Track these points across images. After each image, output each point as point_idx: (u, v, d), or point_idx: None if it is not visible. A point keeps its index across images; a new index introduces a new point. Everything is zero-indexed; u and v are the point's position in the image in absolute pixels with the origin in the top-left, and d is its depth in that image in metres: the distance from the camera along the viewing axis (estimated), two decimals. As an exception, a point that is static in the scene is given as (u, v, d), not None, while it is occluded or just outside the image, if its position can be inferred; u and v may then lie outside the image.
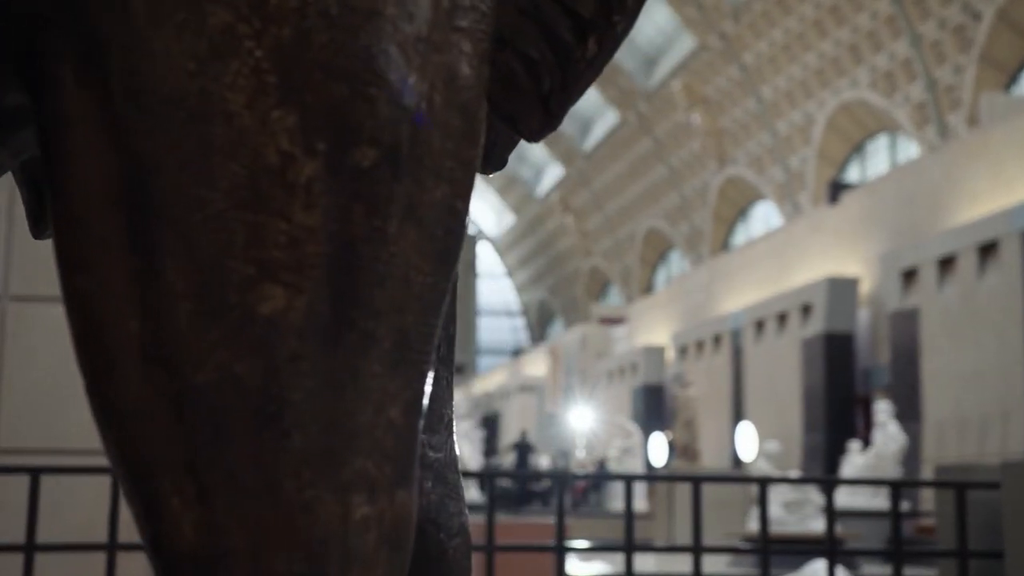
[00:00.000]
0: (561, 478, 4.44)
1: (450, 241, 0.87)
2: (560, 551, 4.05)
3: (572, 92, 0.99)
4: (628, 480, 4.24)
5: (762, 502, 4.24)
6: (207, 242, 0.80)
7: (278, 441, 0.80)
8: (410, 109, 0.83)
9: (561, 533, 4.03)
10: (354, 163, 0.82)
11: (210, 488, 0.80)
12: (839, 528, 13.42)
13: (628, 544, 4.08)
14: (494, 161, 1.04)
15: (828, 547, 4.15)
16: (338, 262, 0.82)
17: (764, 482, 4.38)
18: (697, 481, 4.27)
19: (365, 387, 0.82)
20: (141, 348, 0.81)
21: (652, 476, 4.48)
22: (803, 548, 8.98)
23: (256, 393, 0.80)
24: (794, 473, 15.14)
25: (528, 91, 0.97)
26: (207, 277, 0.80)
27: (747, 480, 4.96)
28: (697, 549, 4.09)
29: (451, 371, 1.11)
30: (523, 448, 24.20)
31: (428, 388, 0.88)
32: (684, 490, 19.10)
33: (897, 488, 4.32)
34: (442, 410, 1.08)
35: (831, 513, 4.20)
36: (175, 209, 0.80)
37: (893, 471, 16.17)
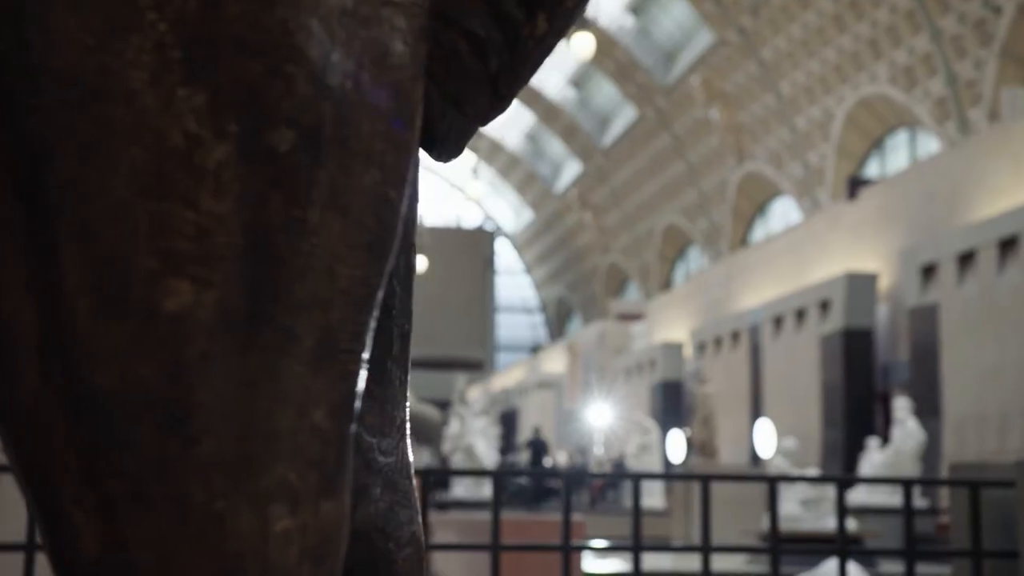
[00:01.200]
0: (570, 477, 4.38)
1: (382, 231, 0.80)
2: (566, 550, 4.00)
3: (522, 72, 0.93)
4: (636, 479, 4.19)
5: (772, 501, 4.19)
6: (108, 233, 0.74)
7: (186, 447, 0.74)
8: (333, 88, 0.77)
9: (568, 533, 3.99)
10: (270, 146, 0.75)
11: (113, 499, 0.73)
12: (857, 526, 13.36)
13: (636, 544, 4.03)
14: (450, 148, 0.97)
15: (839, 546, 4.09)
16: (253, 254, 0.75)
17: (774, 481, 4.33)
18: (706, 480, 4.22)
19: (285, 388, 0.76)
20: (40, 347, 0.75)
21: (660, 475, 4.42)
22: (818, 547, 8.91)
23: (161, 395, 0.74)
24: (812, 470, 15.06)
25: (475, 71, 0.90)
26: (108, 270, 0.74)
27: (758, 479, 4.88)
28: (706, 549, 4.04)
29: (406, 371, 1.04)
30: (537, 445, 24.14)
31: (359, 389, 0.81)
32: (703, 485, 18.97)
33: (909, 486, 4.26)
34: (394, 412, 1.01)
35: (842, 512, 4.14)
36: (73, 197, 0.74)
37: (912, 468, 16.05)
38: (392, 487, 0.99)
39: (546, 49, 0.93)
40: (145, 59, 0.74)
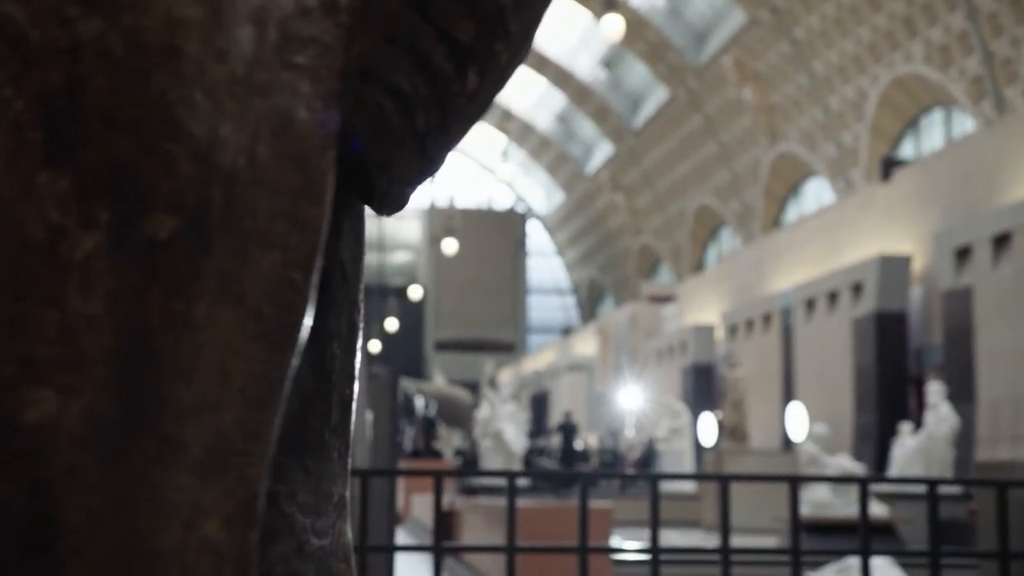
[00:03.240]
0: (583, 478, 4.32)
1: (285, 318, 0.72)
2: (583, 552, 3.95)
3: (452, 131, 0.84)
4: (655, 480, 4.13)
5: (793, 503, 4.11)
6: None
7: (52, 571, 0.66)
8: (222, 165, 0.68)
9: (584, 535, 3.94)
10: (147, 234, 0.67)
11: None
12: (888, 511, 13.24)
13: (654, 547, 3.97)
14: (392, 202, 0.89)
15: (863, 546, 4.02)
16: (128, 355, 0.67)
17: (795, 480, 4.25)
18: (726, 480, 4.16)
19: (168, 502, 0.68)
20: None
21: (680, 475, 4.34)
22: (845, 541, 8.82)
23: (24, 515, 0.66)
24: (843, 456, 14.93)
25: (401, 130, 0.81)
26: None
27: (778, 479, 4.80)
28: (725, 551, 3.97)
29: (347, 442, 0.96)
30: (568, 429, 24.12)
31: (261, 490, 0.73)
32: (732, 469, 19.00)
33: (935, 488, 4.18)
34: (331, 488, 0.93)
35: (864, 512, 4.07)
36: None
37: (945, 453, 15.90)
38: (327, 572, 0.91)
39: (479, 107, 0.84)
40: (0, 141, 0.67)
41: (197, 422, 0.69)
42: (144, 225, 0.67)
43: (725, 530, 4.04)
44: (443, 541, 4.01)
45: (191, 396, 0.68)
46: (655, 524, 4.04)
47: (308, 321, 0.75)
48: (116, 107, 0.66)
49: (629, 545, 9.25)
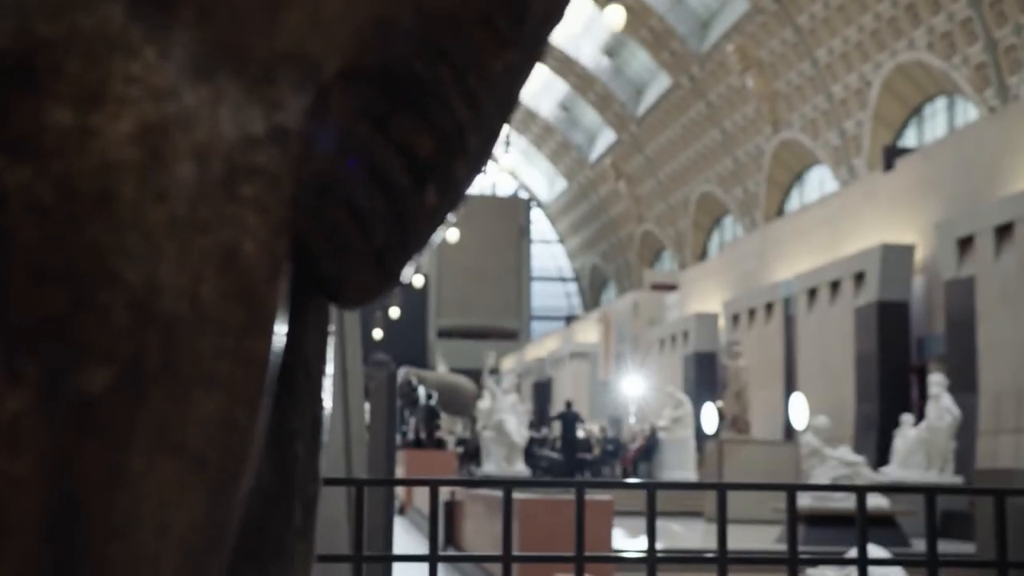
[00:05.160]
0: (579, 485, 4.31)
1: (229, 461, 0.68)
2: (580, 561, 3.94)
3: (411, 247, 0.80)
4: (651, 488, 4.11)
5: (791, 510, 4.10)
6: None
7: None
8: (161, 311, 0.65)
9: (581, 543, 3.93)
10: (79, 389, 0.64)
11: None
12: (892, 505, 13.24)
13: (651, 553, 3.96)
14: (353, 300, 0.86)
15: (860, 556, 4.01)
16: (58, 517, 0.64)
17: (793, 489, 4.24)
18: (723, 489, 4.14)
19: None
20: None
21: (677, 484, 4.33)
22: (838, 539, 8.79)
23: None
24: (845, 448, 14.92)
25: (358, 247, 0.78)
26: None
27: (774, 487, 4.82)
28: (723, 559, 3.96)
29: (311, 543, 0.93)
30: (569, 418, 24.13)
31: None
32: (734, 460, 19.00)
33: (933, 497, 4.16)
34: None
35: (863, 523, 4.05)
36: None
37: (946, 445, 15.90)
38: None
39: (437, 221, 0.81)
40: None
41: None
42: (76, 379, 0.63)
43: (722, 536, 4.03)
44: (439, 550, 4.00)
45: (126, 554, 0.65)
46: (652, 531, 4.03)
47: (254, 459, 0.72)
48: (46, 259, 0.63)
49: (627, 546, 9.25)
